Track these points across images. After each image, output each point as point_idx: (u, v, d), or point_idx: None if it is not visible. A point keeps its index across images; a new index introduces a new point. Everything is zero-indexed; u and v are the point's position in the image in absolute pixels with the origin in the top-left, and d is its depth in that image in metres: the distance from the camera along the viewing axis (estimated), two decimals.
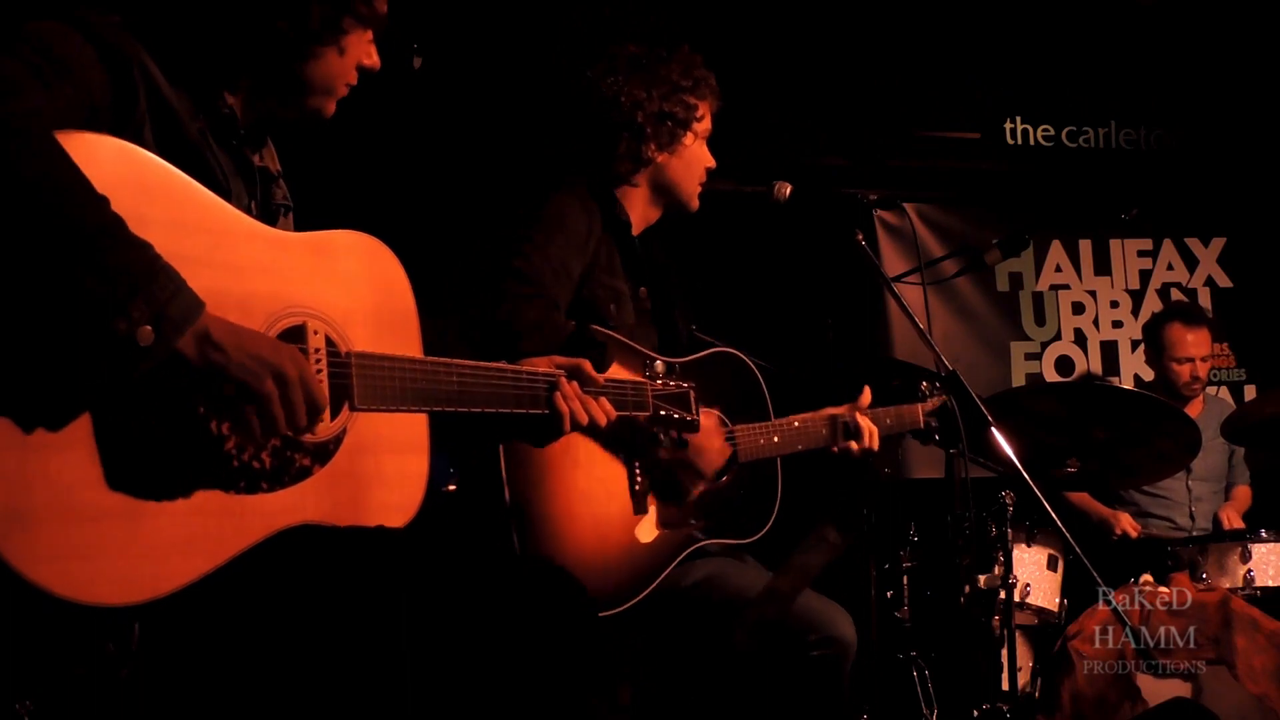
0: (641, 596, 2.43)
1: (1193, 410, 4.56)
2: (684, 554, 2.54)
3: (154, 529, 1.46)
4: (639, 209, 2.78)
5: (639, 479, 2.50)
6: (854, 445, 2.79)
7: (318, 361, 1.66)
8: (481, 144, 4.18)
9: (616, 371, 2.42)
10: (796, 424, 2.76)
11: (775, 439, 2.71)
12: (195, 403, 1.48)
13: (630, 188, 2.74)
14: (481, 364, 1.91)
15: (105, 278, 1.36)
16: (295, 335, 1.65)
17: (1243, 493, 4.79)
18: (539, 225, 2.55)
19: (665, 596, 2.52)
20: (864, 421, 2.81)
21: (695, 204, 2.80)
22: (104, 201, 1.40)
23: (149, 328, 1.38)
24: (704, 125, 2.76)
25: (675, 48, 2.76)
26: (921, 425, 3.03)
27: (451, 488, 2.56)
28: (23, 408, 1.36)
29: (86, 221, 1.37)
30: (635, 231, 2.78)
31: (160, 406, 1.47)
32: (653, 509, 2.53)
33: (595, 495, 2.43)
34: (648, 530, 2.51)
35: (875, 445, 2.82)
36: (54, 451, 1.38)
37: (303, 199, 1.95)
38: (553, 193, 2.63)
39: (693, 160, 2.75)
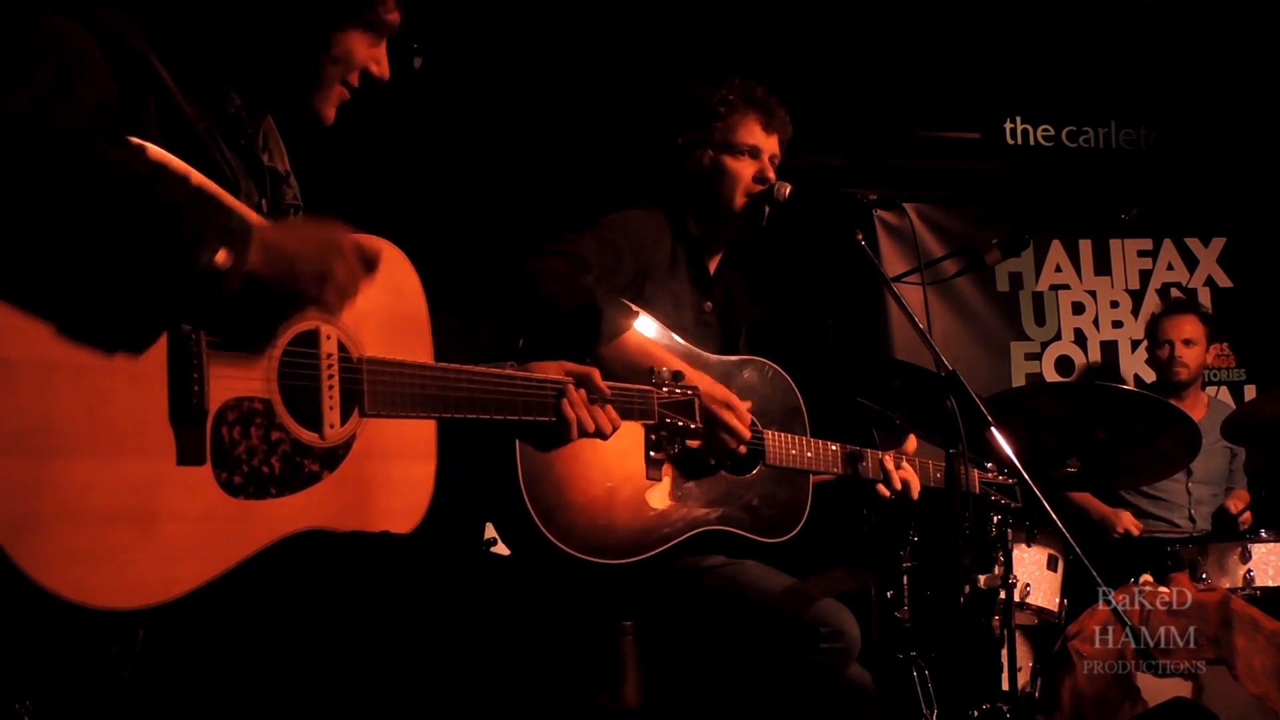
0: (644, 557, 2.51)
1: (1196, 412, 4.57)
2: (694, 530, 2.61)
3: (164, 534, 1.46)
4: (701, 226, 2.92)
5: (655, 446, 2.54)
6: (896, 485, 2.92)
7: (330, 368, 1.66)
8: (484, 146, 4.18)
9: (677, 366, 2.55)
10: (834, 448, 2.86)
11: (809, 454, 2.81)
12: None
13: (688, 206, 2.91)
14: (491, 370, 1.93)
15: (178, 220, 1.40)
16: (309, 340, 1.66)
17: (1241, 497, 4.79)
18: (599, 222, 2.73)
19: (683, 577, 2.63)
20: (907, 470, 2.95)
21: (738, 214, 2.89)
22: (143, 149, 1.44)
23: (224, 249, 1.42)
24: (734, 140, 2.88)
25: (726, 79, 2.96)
26: (977, 491, 3.17)
27: None
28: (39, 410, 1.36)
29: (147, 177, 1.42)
30: (709, 250, 2.95)
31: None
32: (667, 479, 2.60)
33: (608, 451, 2.46)
34: (660, 497, 2.58)
35: (914, 494, 2.97)
36: (64, 456, 1.38)
37: (313, 200, 1.95)
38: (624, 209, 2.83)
39: (719, 174, 2.87)
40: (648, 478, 2.55)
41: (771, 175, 2.89)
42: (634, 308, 2.60)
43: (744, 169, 2.88)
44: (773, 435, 2.75)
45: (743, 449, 2.56)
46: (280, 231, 1.55)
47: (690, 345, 2.74)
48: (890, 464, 2.93)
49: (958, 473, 2.80)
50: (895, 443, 3.04)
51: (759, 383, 2.85)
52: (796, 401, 2.91)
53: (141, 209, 1.39)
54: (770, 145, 2.93)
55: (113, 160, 1.39)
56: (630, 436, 2.44)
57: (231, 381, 1.55)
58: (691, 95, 2.96)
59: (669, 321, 2.72)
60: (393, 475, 1.77)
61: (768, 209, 2.89)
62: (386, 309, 1.79)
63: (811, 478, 2.87)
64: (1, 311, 1.34)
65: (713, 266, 2.97)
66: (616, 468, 2.50)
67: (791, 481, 2.82)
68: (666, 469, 2.59)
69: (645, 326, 2.62)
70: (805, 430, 2.88)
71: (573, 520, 2.41)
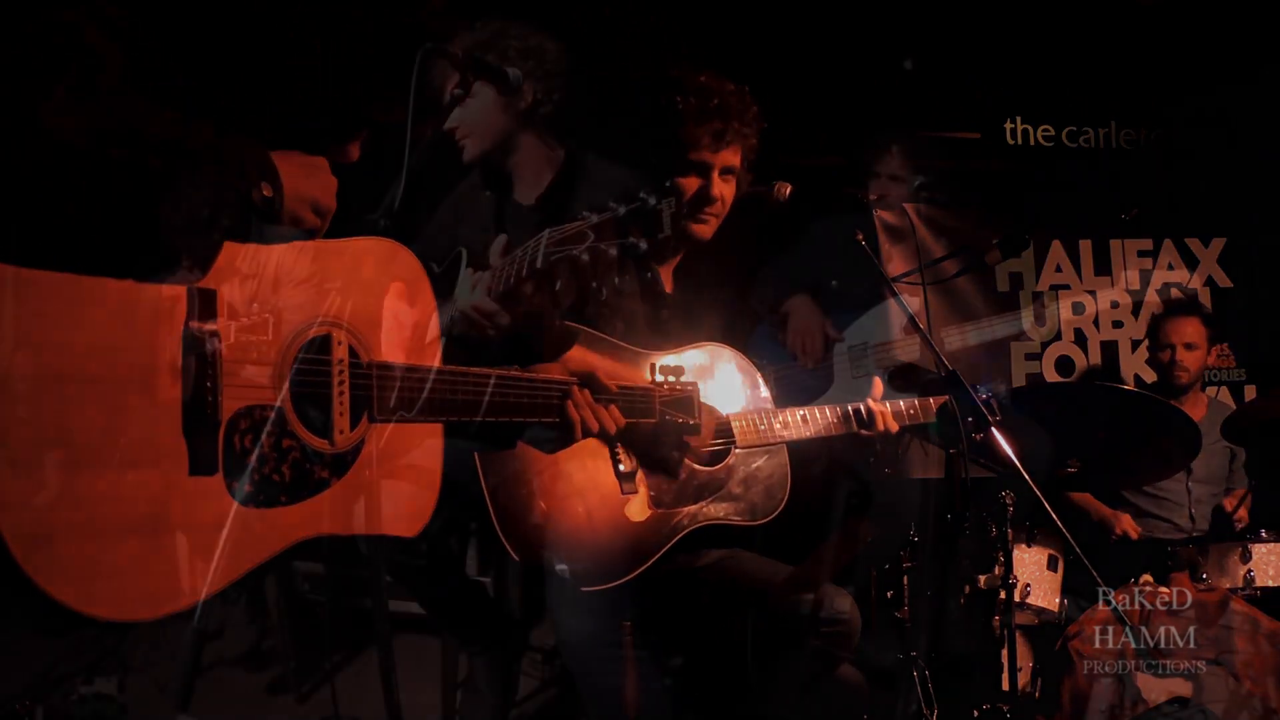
0: (637, 573, 2.47)
1: (1195, 412, 4.57)
2: (682, 534, 2.58)
3: (176, 545, 1.47)
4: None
5: (623, 459, 2.53)
6: (868, 433, 2.83)
7: (340, 373, 1.66)
8: None
9: (622, 375, 2.49)
10: (802, 414, 2.80)
11: (777, 425, 2.75)
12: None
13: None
14: (496, 371, 1.93)
15: (228, 169, 1.50)
16: (321, 346, 1.67)
17: (1238, 495, 4.78)
18: None
19: (678, 578, 2.60)
20: (878, 409, 2.84)
21: (677, 231, 2.75)
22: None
23: (266, 184, 1.53)
24: (680, 156, 2.76)
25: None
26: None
27: None
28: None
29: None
30: (659, 260, 2.85)
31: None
32: (643, 489, 2.56)
33: (577, 476, 2.44)
34: (639, 509, 2.53)
35: (894, 428, 2.85)
36: (81, 469, 1.38)
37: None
38: None
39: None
40: (623, 493, 2.51)
41: (715, 191, 2.78)
42: (575, 328, 2.51)
43: (686, 186, 2.78)
44: (739, 417, 2.72)
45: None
46: (281, 159, 1.60)
47: (635, 349, 2.65)
48: (863, 408, 2.85)
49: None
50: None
51: (713, 367, 2.79)
52: (755, 377, 2.86)
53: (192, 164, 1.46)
54: (722, 159, 2.79)
55: (158, 134, 1.45)
56: (596, 457, 2.43)
57: (244, 390, 1.56)
58: (646, 103, 2.86)
59: (622, 335, 2.65)
60: (400, 479, 1.78)
61: (712, 225, 2.80)
62: (395, 309, 1.79)
63: (786, 447, 2.81)
64: (24, 324, 1.34)
65: (668, 272, 2.90)
66: (590, 490, 2.46)
67: (768, 455, 2.78)
68: (640, 478, 2.55)
69: (586, 343, 2.54)
70: (769, 402, 2.84)
71: (562, 558, 2.37)
